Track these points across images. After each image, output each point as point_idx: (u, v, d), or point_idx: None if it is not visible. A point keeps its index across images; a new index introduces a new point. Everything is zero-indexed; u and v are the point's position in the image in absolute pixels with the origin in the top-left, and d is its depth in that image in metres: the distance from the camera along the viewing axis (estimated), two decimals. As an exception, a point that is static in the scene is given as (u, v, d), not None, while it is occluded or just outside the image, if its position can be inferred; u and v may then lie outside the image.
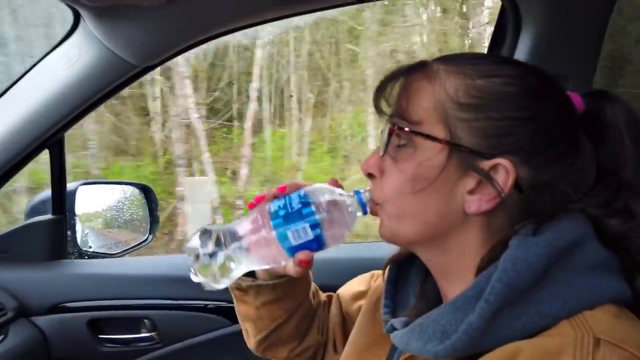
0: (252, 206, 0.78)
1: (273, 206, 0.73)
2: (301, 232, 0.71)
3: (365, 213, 0.73)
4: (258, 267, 0.77)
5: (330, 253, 0.76)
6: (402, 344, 0.66)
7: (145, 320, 1.39)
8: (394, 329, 0.71)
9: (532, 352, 0.54)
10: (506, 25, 1.31)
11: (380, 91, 0.69)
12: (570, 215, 0.62)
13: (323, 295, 0.99)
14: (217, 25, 1.09)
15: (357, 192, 0.73)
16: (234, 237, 0.73)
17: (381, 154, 0.69)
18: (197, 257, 0.72)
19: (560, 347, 0.53)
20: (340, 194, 0.73)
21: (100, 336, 1.38)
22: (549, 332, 0.56)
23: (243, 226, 0.73)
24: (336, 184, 0.76)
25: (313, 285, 0.95)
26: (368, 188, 0.72)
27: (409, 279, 0.80)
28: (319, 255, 0.74)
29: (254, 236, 0.72)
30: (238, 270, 0.74)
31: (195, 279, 0.73)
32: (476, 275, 0.62)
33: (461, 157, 0.63)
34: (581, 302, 0.57)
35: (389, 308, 0.78)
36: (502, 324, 0.57)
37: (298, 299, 0.88)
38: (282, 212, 0.71)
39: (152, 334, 1.39)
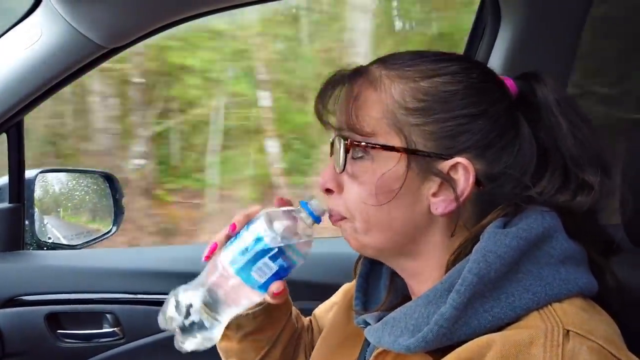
0: (207, 259, 0.75)
1: (228, 255, 0.71)
2: (265, 268, 0.69)
3: (318, 222, 0.72)
4: (239, 311, 0.75)
5: None
6: (374, 338, 0.67)
7: (108, 315, 1.34)
8: (367, 324, 0.71)
9: (503, 343, 0.54)
10: (485, 20, 1.31)
11: (322, 101, 0.69)
12: (539, 208, 0.63)
13: (306, 320, 0.98)
14: (190, 7, 1.05)
15: (303, 205, 0.71)
16: (205, 295, 0.71)
17: (339, 170, 0.68)
18: (180, 327, 0.70)
19: (531, 339, 0.54)
20: (290, 213, 0.72)
21: (59, 331, 1.32)
22: (519, 324, 0.57)
23: (208, 281, 0.71)
24: (283, 202, 0.75)
25: (295, 311, 0.94)
26: (311, 194, 0.72)
27: (380, 274, 0.80)
28: None
29: (222, 289, 0.70)
30: (222, 323, 0.72)
31: (185, 348, 0.71)
32: (447, 271, 0.63)
33: (420, 162, 0.63)
34: (550, 294, 0.58)
35: (360, 300, 0.79)
36: (473, 316, 0.57)
37: (280, 325, 0.87)
38: (239, 257, 0.70)
39: (115, 329, 1.34)
